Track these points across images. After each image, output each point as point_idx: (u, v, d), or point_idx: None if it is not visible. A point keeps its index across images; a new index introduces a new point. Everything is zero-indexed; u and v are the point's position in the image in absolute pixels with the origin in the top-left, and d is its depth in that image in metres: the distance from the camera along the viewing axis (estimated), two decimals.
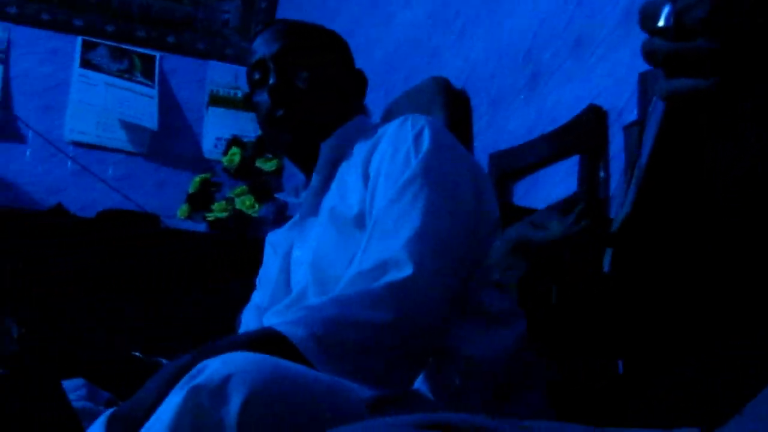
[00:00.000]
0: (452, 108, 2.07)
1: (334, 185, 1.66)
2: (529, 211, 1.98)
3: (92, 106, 4.31)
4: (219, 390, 1.12)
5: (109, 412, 1.53)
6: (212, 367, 1.15)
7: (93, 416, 1.59)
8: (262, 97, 1.69)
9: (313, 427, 1.14)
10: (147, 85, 4.42)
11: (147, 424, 1.21)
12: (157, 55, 4.48)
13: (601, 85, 2.11)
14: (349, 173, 1.62)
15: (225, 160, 4.24)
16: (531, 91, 2.48)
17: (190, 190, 4.17)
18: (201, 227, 4.05)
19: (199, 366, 1.18)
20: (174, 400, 1.16)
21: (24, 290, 3.33)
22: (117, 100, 4.34)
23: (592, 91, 2.13)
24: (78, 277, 3.73)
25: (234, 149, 4.22)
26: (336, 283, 1.49)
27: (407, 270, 1.37)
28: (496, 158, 2.39)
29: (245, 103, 1.76)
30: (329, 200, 1.64)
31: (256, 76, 1.71)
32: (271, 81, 1.67)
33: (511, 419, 0.89)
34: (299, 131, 1.68)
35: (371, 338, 1.34)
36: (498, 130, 2.60)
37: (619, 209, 0.93)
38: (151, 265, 3.87)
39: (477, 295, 1.51)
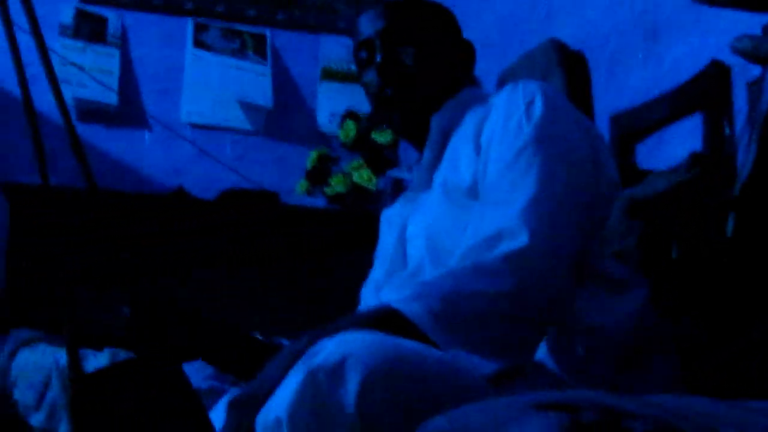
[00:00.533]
0: (570, 70, 2.02)
1: (445, 158, 1.63)
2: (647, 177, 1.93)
3: (207, 87, 4.36)
4: (336, 371, 1.13)
5: (232, 393, 1.55)
6: (328, 349, 1.16)
7: (219, 395, 1.62)
8: (371, 76, 1.68)
9: (433, 405, 1.12)
10: (260, 63, 4.45)
11: (267, 406, 1.22)
12: (268, 32, 4.50)
13: (722, 39, 2.03)
14: (460, 145, 1.60)
15: (341, 133, 4.24)
16: (650, 49, 2.42)
17: (308, 166, 4.20)
18: (320, 202, 4.07)
19: (316, 347, 1.18)
20: (292, 381, 1.17)
21: (147, 275, 3.41)
22: (231, 80, 4.38)
23: (714, 45, 2.06)
24: (200, 259, 3.80)
25: (349, 122, 4.22)
26: (451, 255, 1.49)
27: (522, 239, 1.36)
28: (618, 119, 2.34)
29: (358, 77, 1.76)
30: (442, 173, 1.62)
31: (363, 56, 1.69)
32: (377, 60, 1.65)
33: (636, 395, 0.87)
34: (409, 108, 1.66)
35: (489, 309, 1.33)
36: (618, 90, 2.55)
37: (741, 170, 0.89)
38: (272, 243, 3.91)
39: (598, 262, 1.48)
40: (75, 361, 1.31)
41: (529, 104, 1.50)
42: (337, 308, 1.92)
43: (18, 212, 3.65)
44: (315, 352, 1.16)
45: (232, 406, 1.29)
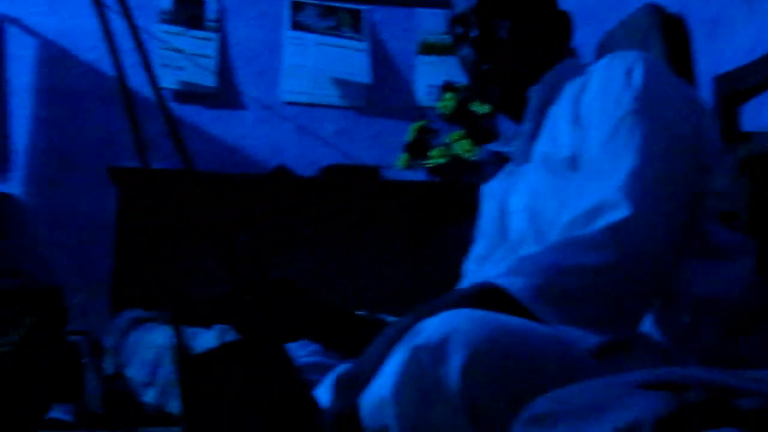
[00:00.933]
0: (669, 34, 1.98)
1: (544, 130, 1.62)
2: (756, 136, 1.88)
3: (305, 66, 4.40)
4: (438, 350, 1.12)
5: (338, 370, 1.57)
6: (431, 327, 1.16)
7: (325, 370, 1.64)
8: (467, 51, 1.67)
9: (538, 381, 1.12)
10: (356, 40, 4.46)
11: (372, 385, 1.23)
12: (364, 8, 4.51)
13: None
14: (559, 116, 1.58)
15: (439, 106, 4.24)
16: (752, 8, 2.35)
17: (408, 139, 4.20)
18: (420, 176, 4.07)
19: (419, 326, 1.18)
20: (396, 361, 1.17)
21: (253, 254, 3.46)
22: (329, 58, 4.41)
23: None
24: (303, 236, 3.84)
25: (448, 95, 4.21)
26: (552, 227, 1.48)
27: (625, 211, 1.33)
28: (721, 81, 2.28)
29: (451, 39, 1.76)
30: (541, 145, 1.61)
31: (459, 31, 1.69)
32: (473, 35, 1.65)
33: (742, 370, 0.85)
34: (506, 83, 1.66)
35: (592, 283, 1.31)
36: (720, 51, 2.49)
37: None
38: (374, 218, 3.93)
39: (704, 231, 1.46)
40: (182, 342, 1.34)
41: (629, 73, 1.47)
42: (440, 282, 1.92)
43: (124, 196, 3.74)
44: (418, 331, 1.16)
45: (337, 386, 1.30)
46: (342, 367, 1.53)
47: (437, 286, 1.92)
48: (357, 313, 1.75)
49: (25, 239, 2.93)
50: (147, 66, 1.42)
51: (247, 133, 4.33)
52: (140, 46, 1.41)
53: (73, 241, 4.07)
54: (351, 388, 1.26)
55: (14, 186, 4.11)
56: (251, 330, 1.57)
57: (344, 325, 1.68)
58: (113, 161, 3.84)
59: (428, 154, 4.12)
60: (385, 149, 4.35)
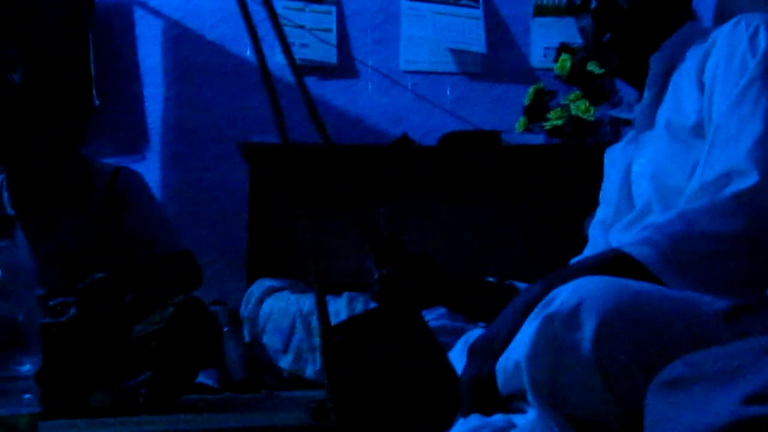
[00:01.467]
0: None
1: (667, 96, 1.61)
2: None
3: (423, 36, 4.42)
4: (571, 317, 1.16)
5: (469, 335, 1.62)
6: (563, 295, 1.19)
7: (451, 333, 1.68)
8: (587, 22, 1.68)
9: (668, 345, 1.15)
10: (472, 7, 4.46)
11: (506, 353, 1.28)
12: None
13: None
14: (682, 82, 1.58)
15: (556, 68, 4.22)
16: None
17: (526, 102, 4.20)
18: (539, 139, 4.08)
19: (551, 294, 1.22)
20: (529, 329, 1.21)
21: (392, 226, 3.53)
22: (445, 28, 4.42)
23: None
24: (428, 205, 3.88)
25: (564, 56, 4.19)
26: (678, 194, 1.48)
27: (753, 178, 1.34)
28: None
29: (569, 10, 1.76)
30: (664, 111, 1.60)
31: (578, 1, 1.69)
32: (593, 5, 1.65)
33: None
34: (628, 52, 1.65)
35: (721, 250, 1.32)
36: None
37: None
38: (497, 183, 3.95)
39: None
40: (324, 313, 1.40)
41: (753, 38, 1.46)
42: (563, 246, 1.95)
43: (255, 170, 3.86)
44: (551, 299, 1.20)
45: (473, 352, 1.35)
46: (474, 333, 1.57)
47: (560, 251, 1.95)
48: (486, 279, 1.79)
49: (161, 214, 3.05)
50: (285, 44, 1.48)
51: (368, 103, 4.39)
52: (278, 26, 1.47)
53: (207, 215, 4.21)
54: (487, 354, 1.31)
55: (150, 162, 4.26)
56: (388, 298, 1.62)
57: (475, 292, 1.72)
58: (241, 136, 3.95)
59: (546, 116, 4.12)
60: (503, 114, 4.36)
